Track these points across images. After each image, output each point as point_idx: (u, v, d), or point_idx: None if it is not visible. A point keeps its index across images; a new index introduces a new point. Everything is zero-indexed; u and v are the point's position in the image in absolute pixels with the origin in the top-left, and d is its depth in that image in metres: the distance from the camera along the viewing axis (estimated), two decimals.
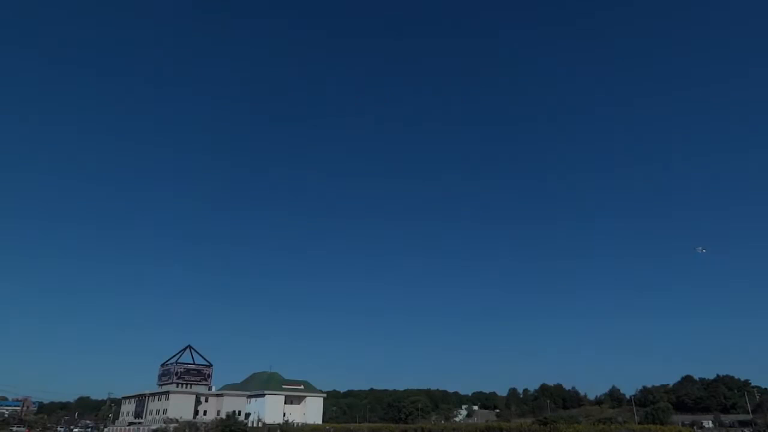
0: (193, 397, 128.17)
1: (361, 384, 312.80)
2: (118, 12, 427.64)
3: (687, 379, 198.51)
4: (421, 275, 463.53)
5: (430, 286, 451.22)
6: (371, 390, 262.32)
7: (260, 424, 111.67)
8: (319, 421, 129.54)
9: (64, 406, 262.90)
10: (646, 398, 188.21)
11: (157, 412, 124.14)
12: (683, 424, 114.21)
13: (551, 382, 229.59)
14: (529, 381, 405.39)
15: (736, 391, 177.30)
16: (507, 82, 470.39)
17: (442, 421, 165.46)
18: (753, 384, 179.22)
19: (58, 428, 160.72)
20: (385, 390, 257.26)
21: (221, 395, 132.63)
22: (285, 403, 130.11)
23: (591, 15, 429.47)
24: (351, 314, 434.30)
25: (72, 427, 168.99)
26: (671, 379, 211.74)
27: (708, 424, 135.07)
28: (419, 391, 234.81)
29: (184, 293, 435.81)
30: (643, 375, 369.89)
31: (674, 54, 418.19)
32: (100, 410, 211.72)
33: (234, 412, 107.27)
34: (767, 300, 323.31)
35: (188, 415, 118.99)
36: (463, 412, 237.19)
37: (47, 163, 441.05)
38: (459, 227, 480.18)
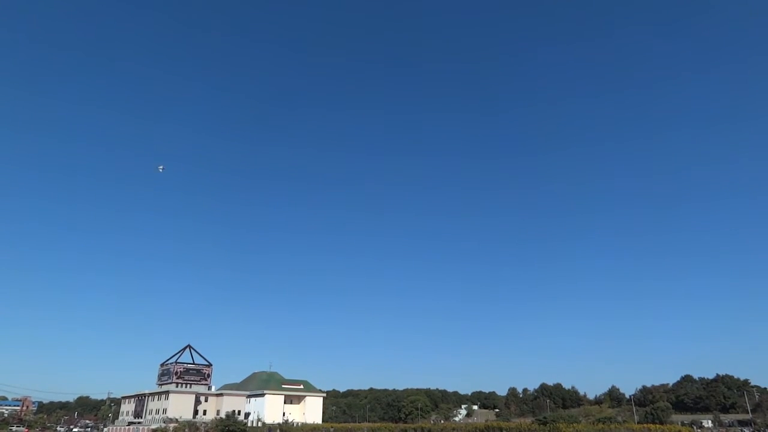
0: (193, 396, 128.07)
1: (361, 384, 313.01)
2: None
3: (686, 379, 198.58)
4: (421, 275, 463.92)
5: (430, 286, 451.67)
6: (371, 390, 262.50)
7: (260, 424, 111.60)
8: (319, 421, 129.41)
9: (63, 406, 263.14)
10: (646, 398, 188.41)
11: (157, 411, 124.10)
12: (683, 424, 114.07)
13: (551, 382, 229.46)
14: (528, 380, 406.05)
15: (735, 391, 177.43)
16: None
17: (442, 421, 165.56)
18: (752, 383, 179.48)
19: (58, 428, 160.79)
20: (385, 390, 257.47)
21: (221, 395, 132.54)
22: (285, 402, 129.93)
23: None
24: (351, 314, 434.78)
25: (72, 426, 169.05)
26: (671, 378, 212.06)
27: (707, 423, 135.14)
28: (419, 391, 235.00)
29: (184, 293, 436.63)
30: (642, 375, 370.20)
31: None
32: (100, 410, 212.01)
33: (234, 411, 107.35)
34: (767, 299, 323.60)
35: (188, 415, 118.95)
36: (463, 412, 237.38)
37: (48, 162, 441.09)
38: (459, 227, 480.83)
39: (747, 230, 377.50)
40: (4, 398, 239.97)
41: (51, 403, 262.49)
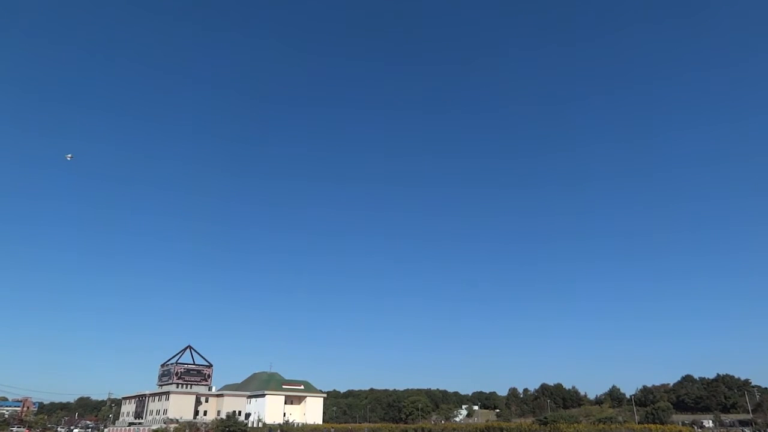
0: (193, 397, 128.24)
1: (361, 384, 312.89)
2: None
3: (687, 379, 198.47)
4: (421, 275, 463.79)
5: (431, 286, 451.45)
6: (371, 390, 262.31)
7: (260, 425, 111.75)
8: (320, 422, 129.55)
9: (64, 406, 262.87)
10: (647, 398, 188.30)
11: (157, 412, 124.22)
12: (683, 424, 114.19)
13: (551, 382, 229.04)
14: (529, 381, 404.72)
15: (736, 391, 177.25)
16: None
17: (442, 421, 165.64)
18: (753, 383, 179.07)
19: (58, 428, 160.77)
20: (386, 390, 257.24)
21: (221, 395, 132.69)
22: (285, 403, 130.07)
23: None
24: (351, 314, 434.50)
25: (72, 427, 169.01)
26: (671, 378, 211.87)
27: (708, 423, 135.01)
28: (419, 391, 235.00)
29: (184, 293, 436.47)
30: (643, 374, 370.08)
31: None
32: (101, 410, 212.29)
33: (234, 412, 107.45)
34: (767, 299, 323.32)
35: (188, 416, 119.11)
36: (463, 412, 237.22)
37: (49, 162, 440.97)
38: (459, 227, 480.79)
39: (747, 230, 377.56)
40: (5, 399, 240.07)
41: (51, 403, 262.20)
